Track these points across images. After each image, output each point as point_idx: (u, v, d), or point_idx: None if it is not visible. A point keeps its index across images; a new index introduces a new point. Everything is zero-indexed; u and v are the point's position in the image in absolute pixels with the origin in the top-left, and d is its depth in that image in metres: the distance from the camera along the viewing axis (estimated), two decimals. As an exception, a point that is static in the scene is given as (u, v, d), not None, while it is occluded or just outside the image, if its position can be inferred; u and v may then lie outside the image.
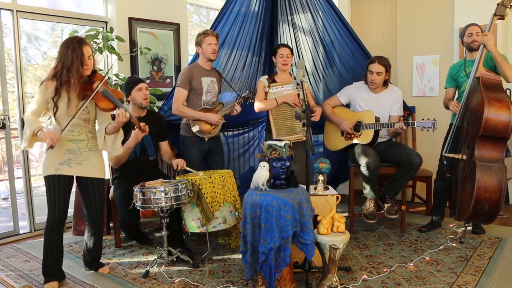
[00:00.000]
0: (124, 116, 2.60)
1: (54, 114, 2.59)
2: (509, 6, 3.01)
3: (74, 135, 2.67)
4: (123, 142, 3.15)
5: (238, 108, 3.56)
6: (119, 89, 3.85)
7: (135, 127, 2.78)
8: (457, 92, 3.49)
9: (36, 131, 2.49)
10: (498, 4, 3.04)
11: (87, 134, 2.73)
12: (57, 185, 2.63)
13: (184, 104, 3.44)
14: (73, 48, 2.53)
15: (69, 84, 2.53)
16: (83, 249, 2.93)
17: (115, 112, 2.66)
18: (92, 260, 2.91)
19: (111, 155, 3.14)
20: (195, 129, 3.41)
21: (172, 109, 3.48)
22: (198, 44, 3.45)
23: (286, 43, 4.30)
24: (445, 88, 3.54)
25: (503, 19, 3.08)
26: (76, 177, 2.74)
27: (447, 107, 3.47)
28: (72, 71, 2.52)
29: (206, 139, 3.49)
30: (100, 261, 2.98)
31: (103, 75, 2.74)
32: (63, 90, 2.55)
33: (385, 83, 3.55)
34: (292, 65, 3.76)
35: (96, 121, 2.80)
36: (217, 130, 3.54)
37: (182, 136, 3.55)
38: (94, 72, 2.67)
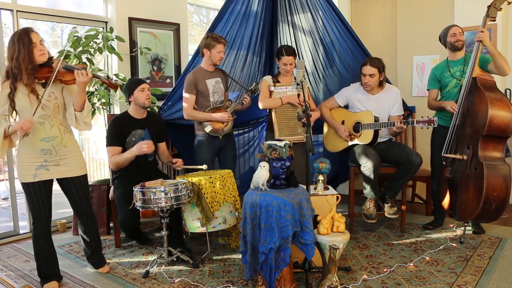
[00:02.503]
0: (85, 74, 2.46)
1: (14, 110, 2.48)
2: (500, 9, 3.11)
3: (46, 130, 2.53)
4: (123, 146, 3.17)
5: (247, 100, 3.59)
6: (119, 89, 3.85)
7: (107, 86, 2.71)
8: (440, 93, 3.51)
9: (7, 129, 2.40)
10: (489, 6, 3.12)
11: (59, 127, 2.60)
12: (38, 192, 2.56)
13: (194, 108, 3.49)
14: (19, 37, 2.43)
15: (21, 74, 2.42)
16: (82, 245, 2.91)
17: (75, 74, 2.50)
18: (93, 252, 2.88)
19: (112, 159, 3.14)
20: (208, 129, 3.46)
21: (183, 115, 3.52)
22: (206, 47, 3.46)
23: (286, 43, 4.31)
24: (428, 89, 3.57)
25: (495, 20, 3.18)
26: (57, 178, 2.66)
27: (435, 108, 3.49)
28: (19, 60, 2.41)
29: (220, 137, 3.53)
30: (103, 255, 2.96)
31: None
32: (18, 82, 2.45)
33: (381, 84, 3.55)
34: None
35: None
36: (230, 127, 3.59)
37: (195, 135, 3.59)
38: (51, 58, 2.58)
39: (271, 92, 3.56)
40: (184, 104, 3.49)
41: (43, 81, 2.50)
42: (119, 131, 3.18)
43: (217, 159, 3.71)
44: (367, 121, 3.45)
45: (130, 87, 3.24)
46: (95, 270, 2.93)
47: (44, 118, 2.54)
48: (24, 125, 2.36)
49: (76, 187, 2.71)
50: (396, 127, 3.29)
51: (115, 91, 3.37)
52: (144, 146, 3.05)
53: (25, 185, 2.56)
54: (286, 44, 4.30)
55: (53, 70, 2.49)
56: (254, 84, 3.69)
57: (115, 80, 3.94)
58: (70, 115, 2.62)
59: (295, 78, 3.47)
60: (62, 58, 2.53)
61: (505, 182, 2.88)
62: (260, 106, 3.59)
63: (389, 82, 3.73)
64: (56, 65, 2.49)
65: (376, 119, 3.43)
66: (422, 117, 3.26)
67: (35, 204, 2.57)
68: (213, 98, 3.53)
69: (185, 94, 3.48)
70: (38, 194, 2.56)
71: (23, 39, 2.43)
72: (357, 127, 3.52)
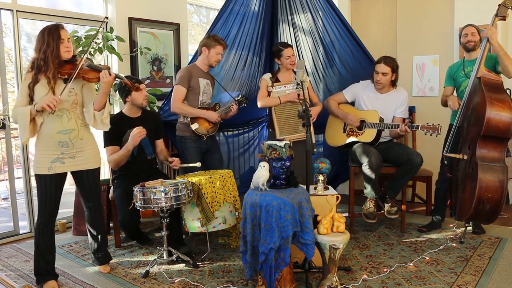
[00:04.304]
0: (108, 75, 2.54)
1: (32, 100, 2.53)
2: (510, 7, 3.02)
3: (63, 122, 2.59)
4: (121, 146, 3.18)
5: (235, 108, 3.59)
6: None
7: (127, 88, 2.77)
8: (455, 92, 3.50)
9: (32, 109, 2.46)
10: (499, 5, 3.05)
11: (76, 120, 2.65)
12: (49, 185, 2.59)
13: (183, 102, 3.46)
14: (49, 31, 2.51)
15: (47, 66, 2.50)
16: (89, 239, 2.92)
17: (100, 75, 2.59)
18: (99, 246, 2.87)
19: (110, 158, 3.14)
20: (194, 126, 3.44)
21: (171, 106, 3.50)
22: (206, 46, 3.46)
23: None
24: (444, 87, 3.55)
25: (505, 19, 3.09)
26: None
27: (444, 104, 3.48)
28: (47, 53, 2.49)
29: (205, 138, 3.50)
30: (108, 251, 2.97)
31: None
32: (41, 74, 2.52)
33: (393, 84, 3.55)
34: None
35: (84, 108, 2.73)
36: (215, 130, 3.58)
37: (179, 137, 3.55)
38: (74, 57, 2.65)
39: (269, 93, 3.56)
40: (173, 96, 3.45)
41: (66, 76, 2.57)
42: (115, 131, 3.17)
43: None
44: (372, 120, 3.45)
45: (127, 87, 3.23)
46: (98, 267, 2.92)
47: (62, 112, 2.60)
48: (51, 103, 2.42)
49: (88, 178, 2.75)
50: (400, 129, 3.29)
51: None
52: (135, 135, 3.03)
53: (38, 177, 2.61)
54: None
55: (76, 67, 2.55)
56: (240, 96, 3.72)
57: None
58: (89, 114, 2.66)
59: (295, 78, 3.48)
60: (85, 56, 2.59)
61: (501, 184, 2.84)
62: (258, 104, 3.60)
63: None
64: (80, 62, 2.56)
65: (382, 120, 3.43)
66: (427, 123, 3.25)
67: (43, 196, 2.61)
68: (202, 97, 3.53)
69: (176, 86, 3.45)
70: (48, 187, 2.60)
71: (53, 34, 2.51)
72: (361, 125, 3.52)
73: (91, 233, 2.88)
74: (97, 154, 2.81)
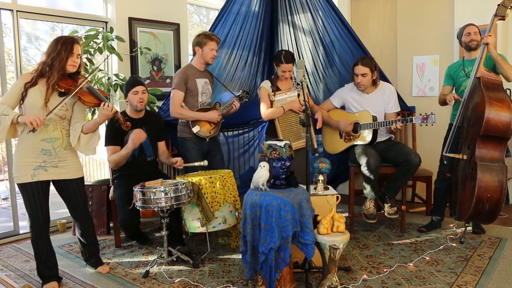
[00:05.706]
0: (110, 109, 2.55)
1: (22, 100, 2.50)
2: (510, 7, 3.03)
3: (48, 131, 2.57)
4: (122, 146, 3.17)
5: (237, 104, 3.54)
6: (119, 89, 3.86)
7: (119, 124, 2.76)
8: (455, 92, 3.50)
9: (16, 118, 2.42)
10: (498, 5, 3.06)
11: (62, 131, 2.64)
12: (36, 192, 2.55)
13: (182, 106, 3.43)
14: (64, 41, 2.55)
15: (51, 73, 2.50)
16: (79, 247, 2.93)
17: (98, 107, 2.62)
18: (91, 254, 2.90)
19: (111, 158, 3.15)
20: (195, 129, 3.40)
21: (170, 112, 3.47)
22: (198, 44, 3.41)
23: (286, 43, 4.31)
24: (443, 86, 3.55)
25: (504, 19, 3.10)
26: (52, 180, 2.66)
27: (442, 103, 3.47)
28: (55, 61, 2.51)
29: (207, 140, 3.48)
30: (100, 256, 2.97)
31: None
32: (42, 79, 2.52)
33: (374, 83, 3.53)
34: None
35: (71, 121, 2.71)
36: (217, 130, 3.55)
37: (180, 138, 3.53)
38: (78, 73, 2.65)
39: (271, 102, 3.54)
40: (172, 101, 3.42)
41: (62, 90, 2.56)
42: (117, 131, 3.17)
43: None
44: (365, 121, 3.45)
45: (126, 88, 3.24)
46: (95, 270, 2.93)
47: (49, 121, 2.57)
48: (34, 121, 2.38)
49: (74, 189, 2.72)
50: (393, 127, 3.30)
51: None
52: (135, 139, 3.03)
53: (22, 186, 2.55)
54: (286, 46, 4.31)
55: (77, 85, 2.55)
56: (241, 91, 3.67)
57: (115, 80, 3.94)
58: (75, 133, 2.65)
59: (294, 78, 3.48)
60: (89, 77, 2.61)
61: (500, 184, 2.84)
62: (263, 117, 3.58)
63: (387, 81, 3.72)
64: (81, 82, 2.56)
65: (374, 119, 3.42)
66: (420, 114, 3.26)
67: (32, 205, 2.56)
68: (201, 98, 3.48)
69: (173, 91, 3.40)
70: (35, 195, 2.55)
71: (67, 45, 2.54)
72: (356, 128, 3.52)
73: (81, 242, 2.88)
74: (79, 165, 2.79)
